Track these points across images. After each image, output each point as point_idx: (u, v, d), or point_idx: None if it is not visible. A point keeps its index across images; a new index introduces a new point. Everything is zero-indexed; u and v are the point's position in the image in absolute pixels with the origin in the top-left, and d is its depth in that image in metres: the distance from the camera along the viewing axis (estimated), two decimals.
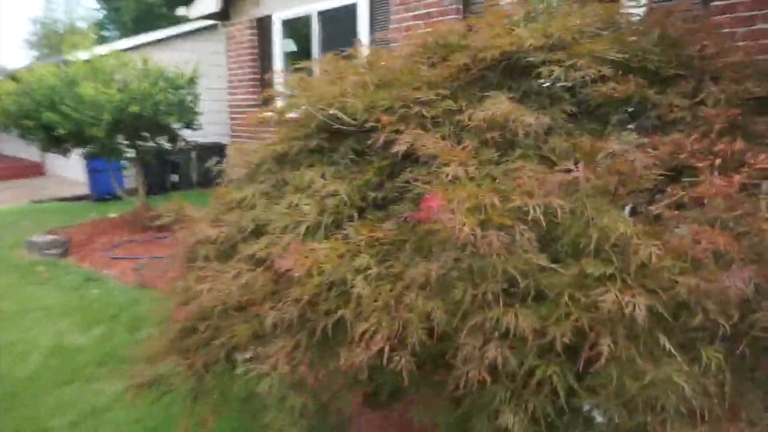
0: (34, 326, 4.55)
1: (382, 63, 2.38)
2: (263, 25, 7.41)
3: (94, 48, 7.49)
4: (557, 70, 2.02)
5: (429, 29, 2.58)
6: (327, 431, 2.00)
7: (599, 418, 1.52)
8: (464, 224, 1.30)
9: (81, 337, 4.31)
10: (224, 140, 11.14)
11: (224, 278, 1.66)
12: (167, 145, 8.57)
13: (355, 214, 1.90)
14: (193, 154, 10.68)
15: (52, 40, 31.38)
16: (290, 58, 7.31)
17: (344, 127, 2.23)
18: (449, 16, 5.20)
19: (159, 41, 11.03)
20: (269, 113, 2.81)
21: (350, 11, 6.35)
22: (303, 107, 2.39)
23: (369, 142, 2.23)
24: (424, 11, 5.43)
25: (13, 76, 8.21)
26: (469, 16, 5.00)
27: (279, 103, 2.86)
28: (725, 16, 3.84)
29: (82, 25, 30.13)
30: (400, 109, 2.11)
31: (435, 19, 5.30)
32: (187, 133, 8.17)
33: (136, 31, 17.77)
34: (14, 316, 4.79)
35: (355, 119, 2.22)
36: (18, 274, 5.90)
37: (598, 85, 2.10)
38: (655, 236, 1.41)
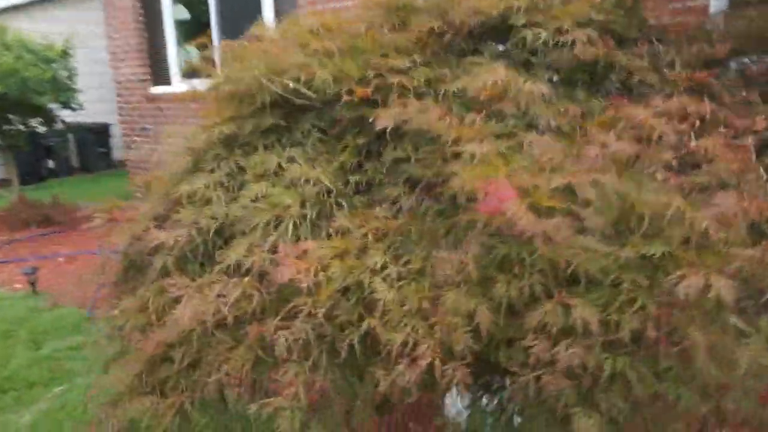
0: None
1: (341, 27, 2.10)
2: None
3: None
4: (544, 34, 1.87)
5: None
6: None
7: None
8: (522, 211, 1.11)
9: None
10: (110, 119, 10.08)
11: (206, 295, 1.35)
12: (40, 128, 7.56)
13: (344, 203, 1.64)
14: (71, 137, 9.54)
15: None
16: (183, 26, 6.63)
17: (308, 102, 1.94)
18: None
19: (21, 6, 9.61)
20: (199, 88, 2.42)
21: None
22: (249, 79, 2.05)
23: (336, 117, 1.97)
24: None
25: None
26: None
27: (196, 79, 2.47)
28: None
29: None
30: (375, 79, 1.85)
31: None
32: (66, 114, 7.24)
33: None
34: None
35: (316, 93, 1.94)
36: None
37: (580, 48, 1.98)
38: (697, 208, 1.31)
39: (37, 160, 9.56)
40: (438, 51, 2.01)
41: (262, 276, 1.38)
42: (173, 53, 6.58)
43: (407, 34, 2.10)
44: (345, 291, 1.32)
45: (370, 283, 1.30)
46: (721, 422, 1.53)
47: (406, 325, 1.25)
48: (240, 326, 1.38)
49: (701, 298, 1.13)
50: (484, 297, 1.25)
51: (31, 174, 9.17)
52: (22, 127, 7.06)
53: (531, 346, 1.19)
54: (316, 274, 1.29)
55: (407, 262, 1.38)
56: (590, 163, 1.29)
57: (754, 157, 1.81)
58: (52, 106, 6.89)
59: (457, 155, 1.43)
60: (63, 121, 7.37)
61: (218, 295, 1.34)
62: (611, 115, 1.58)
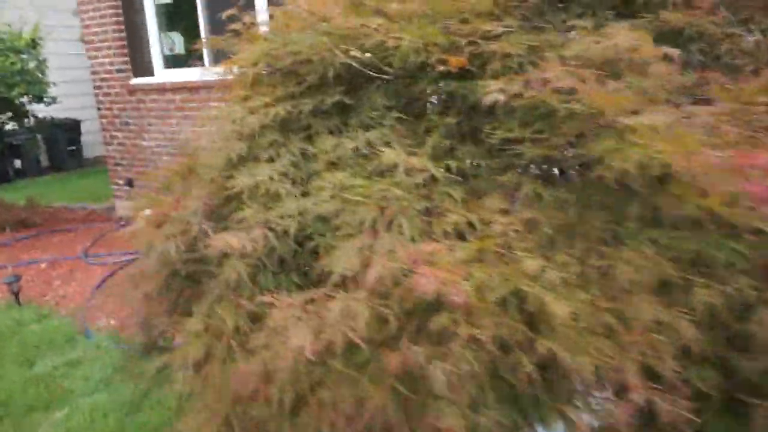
0: None
1: None
2: None
3: None
4: None
5: None
6: None
7: None
8: None
9: None
10: (80, 115, 9.52)
11: (321, 316, 1.05)
12: (8, 125, 7.03)
13: (454, 194, 1.35)
14: (39, 135, 8.93)
15: None
16: (165, 11, 6.18)
17: (384, 75, 1.64)
18: None
19: None
20: (232, 66, 2.09)
21: None
22: (311, 48, 1.73)
23: (416, 92, 1.68)
24: None
25: None
26: None
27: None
28: None
29: None
30: (467, 46, 1.57)
31: None
32: (37, 109, 6.73)
33: None
34: None
35: (389, 64, 1.65)
36: None
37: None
38: None
39: (3, 159, 8.95)
40: (526, 15, 1.73)
41: (385, 291, 1.08)
42: (156, 41, 6.14)
43: None
44: (502, 303, 1.04)
45: (533, 291, 1.02)
46: None
47: (587, 344, 0.98)
48: (354, 353, 1.08)
49: None
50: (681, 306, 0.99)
51: None
52: None
53: None
54: (473, 286, 1.01)
55: (565, 265, 1.11)
56: None
57: None
58: (23, 100, 6.38)
59: (612, 130, 1.16)
60: (35, 116, 6.86)
61: (342, 312, 1.04)
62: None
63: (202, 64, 5.87)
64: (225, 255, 1.32)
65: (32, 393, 3.11)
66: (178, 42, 6.24)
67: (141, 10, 6.12)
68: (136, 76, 6.33)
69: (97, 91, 6.59)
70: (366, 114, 1.70)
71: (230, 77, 2.16)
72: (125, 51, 6.36)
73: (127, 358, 3.46)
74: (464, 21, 1.71)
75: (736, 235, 0.97)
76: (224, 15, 2.13)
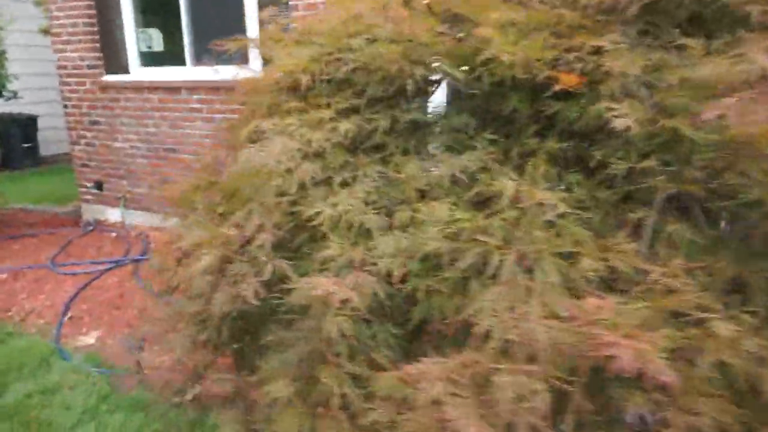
0: None
1: None
2: None
3: None
4: None
5: None
6: None
7: None
8: None
9: None
10: (36, 110, 8.92)
11: (480, 390, 0.84)
12: None
13: (580, 233, 1.17)
14: None
15: None
16: (142, 4, 5.79)
17: (473, 90, 1.45)
18: None
19: None
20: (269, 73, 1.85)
21: None
22: (374, 60, 1.53)
23: (508, 111, 1.49)
24: None
25: None
26: None
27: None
28: None
29: None
30: (575, 62, 1.39)
31: None
32: None
33: None
34: None
35: (476, 77, 1.46)
36: None
37: None
38: None
39: None
40: (626, 31, 1.58)
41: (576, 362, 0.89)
42: (132, 36, 5.75)
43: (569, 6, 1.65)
44: (705, 381, 0.87)
45: (740, 364, 0.85)
46: None
47: None
48: None
49: None
50: None
51: None
52: None
53: None
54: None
55: (757, 330, 0.94)
56: None
57: None
58: None
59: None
60: None
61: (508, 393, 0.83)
62: None
63: (182, 63, 5.55)
64: (317, 300, 1.10)
65: (5, 429, 2.76)
66: (156, 38, 5.86)
67: (116, 3, 5.72)
68: (109, 72, 5.91)
69: (63, 87, 6.13)
70: (448, 134, 1.51)
71: (224, 80, 1.93)
72: (97, 45, 5.93)
73: (114, 385, 3.15)
74: (555, 34, 1.54)
75: None
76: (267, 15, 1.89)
